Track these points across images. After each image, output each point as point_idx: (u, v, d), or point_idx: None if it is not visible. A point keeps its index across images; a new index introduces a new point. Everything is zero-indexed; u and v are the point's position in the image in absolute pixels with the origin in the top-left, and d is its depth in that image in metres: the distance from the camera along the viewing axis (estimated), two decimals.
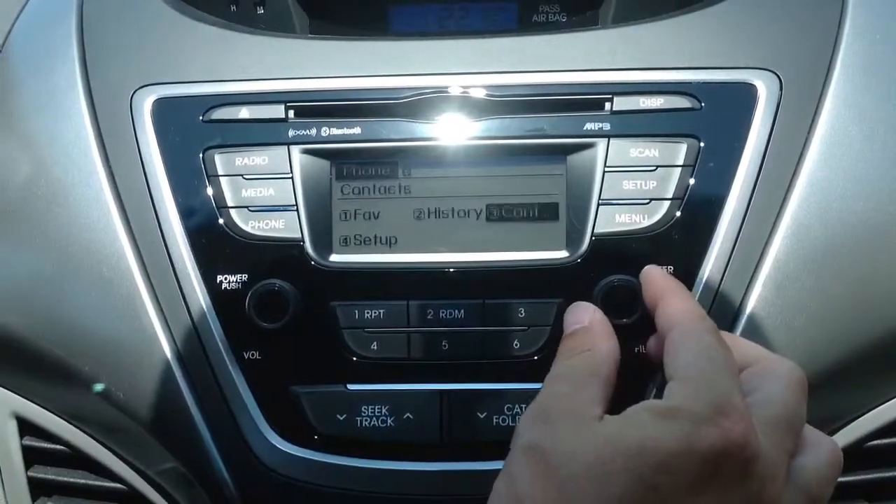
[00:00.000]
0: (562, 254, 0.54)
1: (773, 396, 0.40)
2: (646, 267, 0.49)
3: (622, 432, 0.37)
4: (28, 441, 0.59)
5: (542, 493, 0.36)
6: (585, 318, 0.46)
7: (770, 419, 0.39)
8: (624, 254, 0.53)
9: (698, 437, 0.35)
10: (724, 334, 0.43)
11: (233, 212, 0.55)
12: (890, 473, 0.56)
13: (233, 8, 0.66)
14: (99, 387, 0.55)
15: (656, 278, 0.48)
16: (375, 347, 0.53)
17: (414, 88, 0.56)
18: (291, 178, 0.55)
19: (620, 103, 0.55)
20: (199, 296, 0.54)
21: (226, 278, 0.54)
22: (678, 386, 0.39)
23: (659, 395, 0.43)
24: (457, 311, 0.53)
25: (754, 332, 0.52)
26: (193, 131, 0.56)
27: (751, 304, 0.52)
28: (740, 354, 0.43)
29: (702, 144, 0.54)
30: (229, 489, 0.55)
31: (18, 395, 0.59)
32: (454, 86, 0.56)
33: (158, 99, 0.57)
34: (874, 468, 0.56)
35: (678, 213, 0.53)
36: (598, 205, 0.53)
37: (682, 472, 0.35)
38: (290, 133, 0.55)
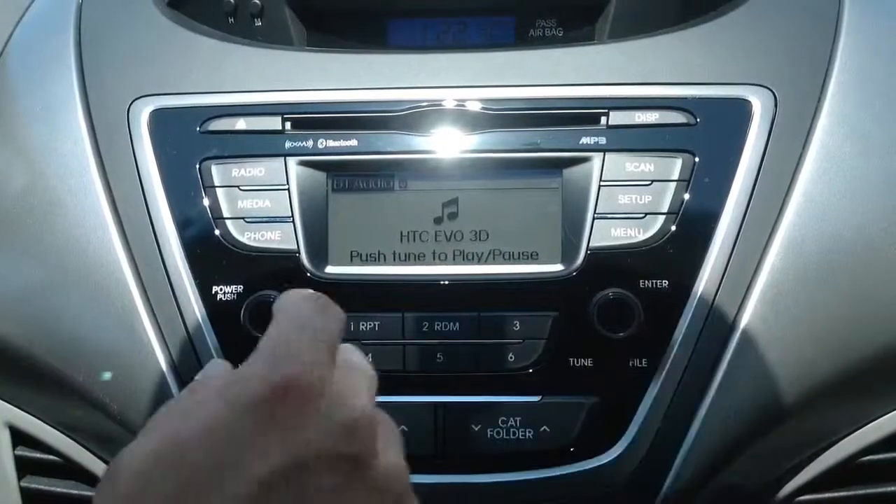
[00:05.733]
0: (557, 267, 0.54)
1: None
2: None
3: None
4: (21, 451, 0.59)
5: None
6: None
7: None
8: (619, 268, 0.53)
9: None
10: None
11: (229, 223, 0.55)
12: (884, 489, 0.56)
13: (230, 20, 0.67)
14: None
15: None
16: (370, 359, 0.53)
17: (411, 101, 0.56)
18: (288, 189, 0.55)
19: (616, 118, 0.55)
20: (195, 307, 0.54)
21: (221, 289, 0.54)
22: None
23: None
24: (452, 324, 0.53)
25: (748, 346, 0.52)
26: (190, 142, 0.56)
27: (745, 319, 0.52)
28: None
29: (697, 159, 0.54)
30: None
31: (12, 405, 0.59)
32: (451, 99, 0.56)
33: (156, 110, 0.57)
34: (868, 484, 0.56)
35: (673, 228, 0.53)
36: (594, 219, 0.53)
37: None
38: (287, 145, 0.55)
